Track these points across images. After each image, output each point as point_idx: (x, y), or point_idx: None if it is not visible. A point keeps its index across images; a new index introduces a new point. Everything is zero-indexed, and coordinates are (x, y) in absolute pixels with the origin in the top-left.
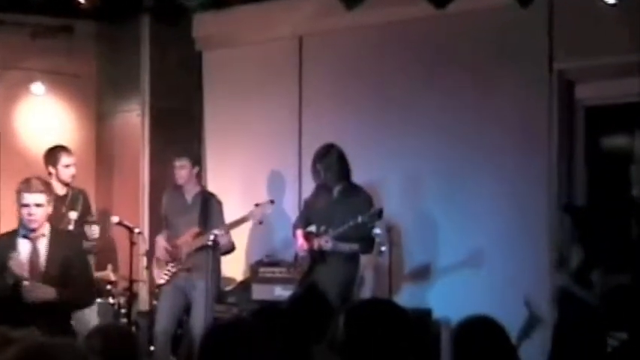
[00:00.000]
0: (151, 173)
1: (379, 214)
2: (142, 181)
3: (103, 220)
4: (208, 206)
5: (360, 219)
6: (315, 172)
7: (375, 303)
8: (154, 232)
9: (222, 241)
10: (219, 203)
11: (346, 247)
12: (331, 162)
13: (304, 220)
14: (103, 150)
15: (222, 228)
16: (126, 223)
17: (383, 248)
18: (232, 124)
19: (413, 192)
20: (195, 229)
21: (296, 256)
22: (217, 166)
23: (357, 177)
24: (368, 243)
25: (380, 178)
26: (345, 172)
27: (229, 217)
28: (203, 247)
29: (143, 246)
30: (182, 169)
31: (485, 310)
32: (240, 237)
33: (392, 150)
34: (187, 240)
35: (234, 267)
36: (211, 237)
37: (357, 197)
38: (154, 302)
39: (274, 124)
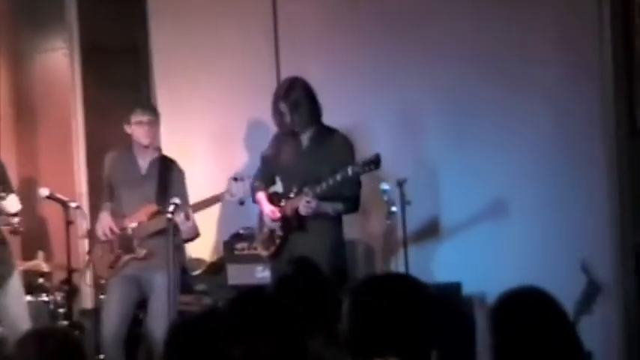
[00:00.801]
0: (88, 129)
1: (376, 161)
2: (75, 140)
3: (27, 192)
4: (169, 177)
5: (350, 170)
6: (277, 114)
7: (388, 279)
8: (96, 205)
9: (186, 225)
10: (182, 173)
11: (329, 207)
12: (298, 99)
13: (266, 178)
14: (22, 101)
15: (182, 209)
16: (58, 195)
17: (394, 209)
18: (191, 63)
19: (413, 131)
20: (152, 207)
21: (260, 227)
22: (173, 120)
23: (343, 119)
24: (354, 201)
25: (371, 117)
26: (317, 112)
27: (193, 193)
28: (160, 231)
29: (83, 224)
30: (152, 127)
31: (527, 281)
32: (211, 208)
33: (386, 82)
34: (141, 220)
35: (202, 245)
36: (171, 207)
37: (333, 142)
38: (101, 297)
39: (247, 58)
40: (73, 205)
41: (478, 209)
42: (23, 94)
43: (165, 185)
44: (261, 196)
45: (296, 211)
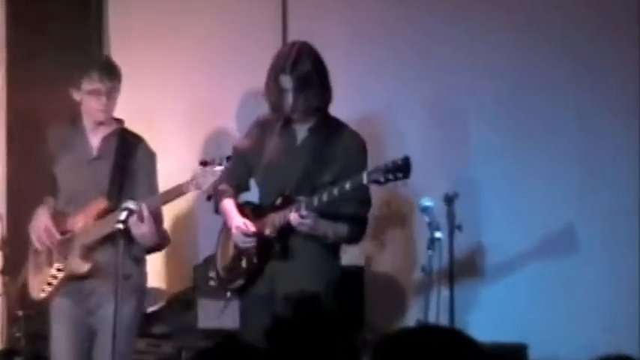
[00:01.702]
0: (10, 99)
1: (403, 167)
2: None
3: None
4: (131, 160)
5: (366, 178)
6: (275, 90)
7: (428, 334)
8: (16, 206)
9: (140, 229)
10: (151, 155)
11: (329, 229)
12: (308, 75)
13: (237, 180)
14: None
15: (145, 203)
16: None
17: (438, 234)
18: (161, 15)
19: (451, 128)
20: (102, 203)
21: (224, 249)
22: (134, 91)
23: (356, 109)
24: (361, 225)
25: (395, 107)
26: (326, 97)
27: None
28: (111, 236)
29: None
30: (110, 98)
31: (612, 343)
32: (179, 218)
33: (419, 60)
34: (86, 221)
35: (166, 269)
36: (122, 215)
37: (339, 140)
38: (17, 335)
39: (241, 13)
40: None
41: (538, 240)
42: None
43: (125, 170)
44: (228, 204)
45: (280, 228)
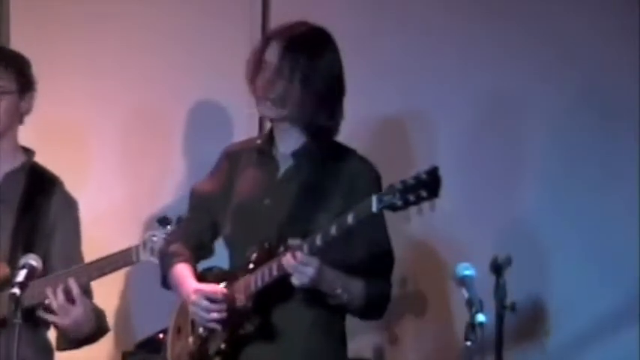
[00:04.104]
0: None
1: (431, 181)
2: None
3: None
4: (42, 210)
5: (375, 204)
6: (257, 70)
7: None
8: None
9: (71, 315)
10: (69, 203)
11: (339, 282)
12: (319, 63)
13: (197, 234)
14: None
15: (60, 280)
16: None
17: (481, 318)
18: None
19: (503, 152)
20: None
21: (177, 329)
22: (51, 96)
23: (372, 120)
24: (380, 284)
25: (426, 119)
26: (336, 108)
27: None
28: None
29: None
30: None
31: None
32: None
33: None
34: None
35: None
36: (20, 276)
37: (343, 171)
38: None
39: None
40: None
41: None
42: None
43: (34, 224)
44: (181, 270)
45: (258, 294)
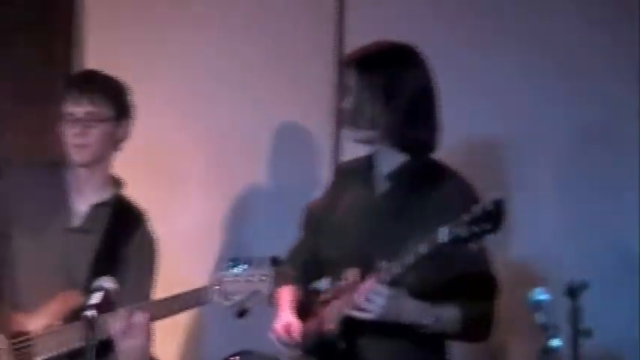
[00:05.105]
0: None
1: (493, 215)
2: None
3: None
4: (125, 243)
5: (446, 234)
6: (347, 114)
7: None
8: None
9: (129, 342)
10: (150, 242)
11: (427, 314)
12: (403, 85)
13: (306, 256)
14: None
15: (126, 311)
16: None
17: (556, 342)
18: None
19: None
20: (75, 297)
21: None
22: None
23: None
24: (482, 305)
25: (525, 135)
26: (431, 123)
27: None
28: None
29: None
30: (93, 128)
31: None
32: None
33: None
34: (50, 323)
35: None
36: (94, 299)
37: (440, 192)
38: None
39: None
40: None
41: None
42: None
43: (112, 258)
44: (282, 296)
45: (344, 320)
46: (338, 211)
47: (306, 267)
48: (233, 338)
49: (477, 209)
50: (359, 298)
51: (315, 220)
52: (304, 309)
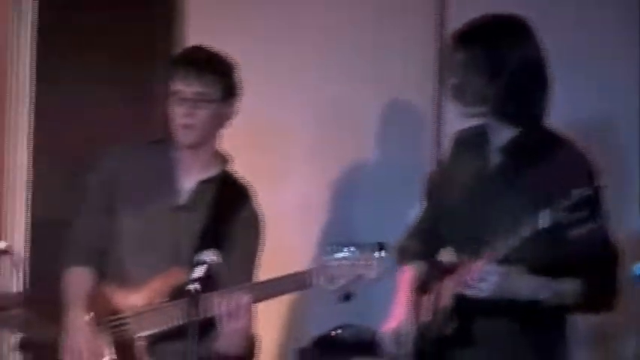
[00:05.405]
0: (39, 98)
1: (591, 201)
2: (12, 124)
3: None
4: (230, 220)
5: (547, 218)
6: (453, 90)
7: None
8: (41, 251)
9: (232, 324)
10: (256, 218)
11: (544, 289)
12: (511, 57)
13: (431, 230)
14: None
15: (230, 293)
16: None
17: None
18: None
19: None
20: (180, 273)
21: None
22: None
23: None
24: (605, 275)
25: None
26: (543, 96)
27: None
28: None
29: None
30: (202, 109)
31: None
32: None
33: None
34: (154, 300)
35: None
36: (197, 272)
37: (555, 162)
38: None
39: None
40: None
41: None
42: None
43: (217, 234)
44: (402, 276)
45: (458, 297)
46: (454, 182)
47: (430, 238)
48: (336, 311)
49: (575, 194)
50: (471, 276)
51: (435, 191)
52: (427, 283)
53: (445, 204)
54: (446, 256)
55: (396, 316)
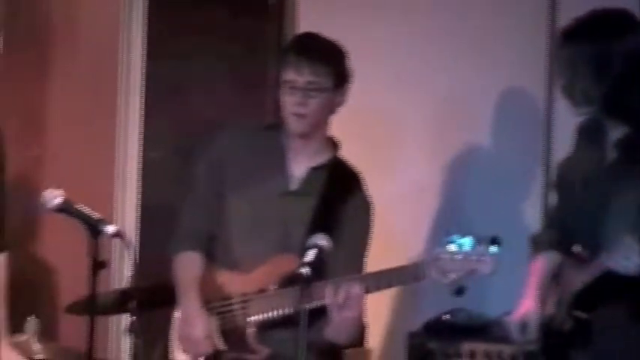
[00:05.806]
0: (150, 77)
1: None
2: (123, 111)
3: (18, 196)
4: (340, 208)
5: None
6: (564, 89)
7: None
8: (150, 235)
9: (343, 313)
10: (366, 206)
11: None
12: (616, 52)
13: (569, 223)
14: (20, 26)
15: (356, 282)
16: (80, 207)
17: None
18: None
19: None
20: (291, 259)
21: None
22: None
23: None
24: None
25: None
26: None
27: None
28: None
29: (125, 269)
30: (313, 98)
31: None
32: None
33: None
34: (264, 286)
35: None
36: (309, 256)
37: None
38: None
39: None
40: (109, 229)
41: None
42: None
43: (328, 221)
44: (533, 268)
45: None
46: (578, 173)
47: (564, 229)
48: (448, 295)
49: None
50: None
51: (564, 181)
52: (559, 275)
53: (571, 196)
54: (577, 248)
55: (525, 304)
